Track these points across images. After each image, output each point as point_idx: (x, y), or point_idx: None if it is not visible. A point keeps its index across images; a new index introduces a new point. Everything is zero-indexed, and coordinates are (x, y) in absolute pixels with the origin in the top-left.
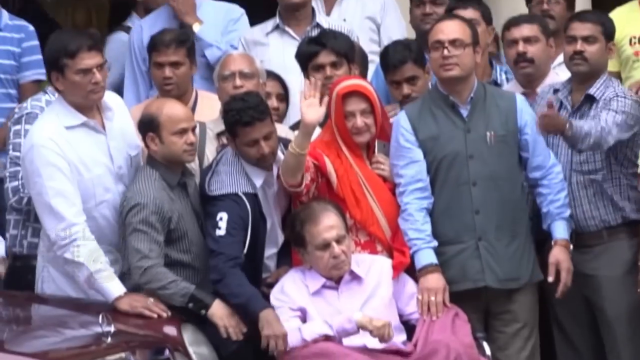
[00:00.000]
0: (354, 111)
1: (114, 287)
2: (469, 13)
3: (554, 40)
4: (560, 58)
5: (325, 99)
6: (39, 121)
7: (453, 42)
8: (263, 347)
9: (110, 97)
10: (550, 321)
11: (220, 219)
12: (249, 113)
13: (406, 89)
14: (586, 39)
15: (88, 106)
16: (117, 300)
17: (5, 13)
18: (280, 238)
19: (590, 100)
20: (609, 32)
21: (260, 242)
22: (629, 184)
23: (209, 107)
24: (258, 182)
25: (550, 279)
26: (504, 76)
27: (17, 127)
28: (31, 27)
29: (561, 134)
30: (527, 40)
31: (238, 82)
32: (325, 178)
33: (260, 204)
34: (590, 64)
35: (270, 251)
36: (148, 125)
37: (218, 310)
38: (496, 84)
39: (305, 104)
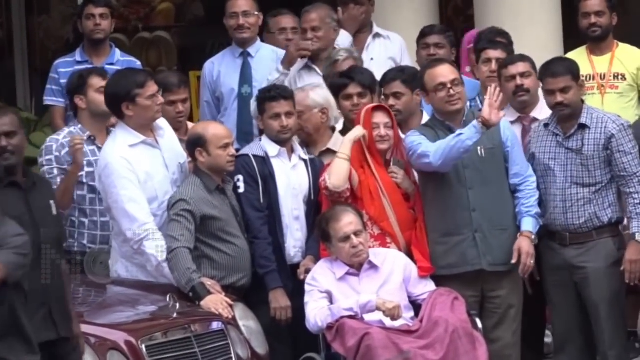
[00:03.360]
0: (379, 123)
1: None
2: (498, 53)
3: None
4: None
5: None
6: (108, 144)
7: (453, 82)
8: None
9: (159, 120)
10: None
11: (238, 180)
12: (275, 91)
13: (391, 101)
14: (562, 90)
15: (146, 127)
16: (202, 301)
17: (117, 50)
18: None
19: (583, 127)
20: (576, 74)
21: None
22: (617, 190)
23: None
24: (272, 152)
25: (513, 261)
26: None
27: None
28: (138, 62)
29: None
30: (522, 75)
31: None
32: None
33: (272, 166)
34: (571, 107)
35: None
36: (197, 142)
37: (208, 300)
38: None
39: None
